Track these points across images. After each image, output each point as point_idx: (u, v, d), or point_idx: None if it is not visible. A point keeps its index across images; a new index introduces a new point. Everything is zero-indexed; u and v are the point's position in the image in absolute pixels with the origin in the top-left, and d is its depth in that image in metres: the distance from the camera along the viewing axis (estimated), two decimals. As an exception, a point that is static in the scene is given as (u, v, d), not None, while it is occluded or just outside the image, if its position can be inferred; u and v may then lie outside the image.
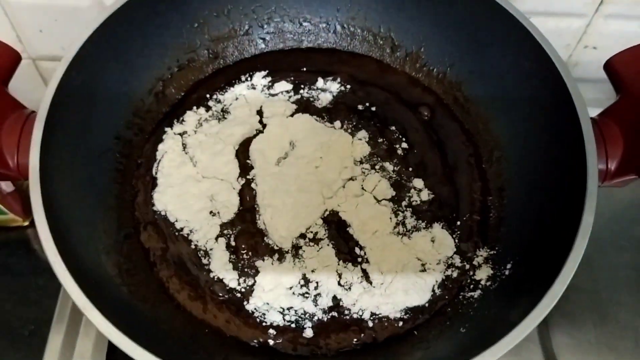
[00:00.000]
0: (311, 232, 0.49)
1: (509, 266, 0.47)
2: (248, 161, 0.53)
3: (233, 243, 0.49)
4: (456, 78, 0.57)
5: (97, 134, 0.49)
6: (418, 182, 0.52)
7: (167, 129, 0.54)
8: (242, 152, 0.53)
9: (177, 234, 0.49)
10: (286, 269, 0.48)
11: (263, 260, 0.48)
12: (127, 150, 0.52)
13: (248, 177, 0.52)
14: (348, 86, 0.58)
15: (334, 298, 0.47)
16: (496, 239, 0.50)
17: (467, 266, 0.49)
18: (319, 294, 0.47)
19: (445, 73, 0.57)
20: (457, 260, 0.49)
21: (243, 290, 0.47)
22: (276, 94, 0.57)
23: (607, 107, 0.47)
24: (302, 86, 0.58)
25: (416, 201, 0.51)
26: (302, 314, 0.46)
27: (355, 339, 0.46)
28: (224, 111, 0.56)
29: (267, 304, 0.46)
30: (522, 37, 0.49)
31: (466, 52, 0.55)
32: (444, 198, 0.52)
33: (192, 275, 0.47)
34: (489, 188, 0.53)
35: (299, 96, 0.57)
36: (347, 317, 0.46)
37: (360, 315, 0.46)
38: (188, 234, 0.49)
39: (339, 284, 0.47)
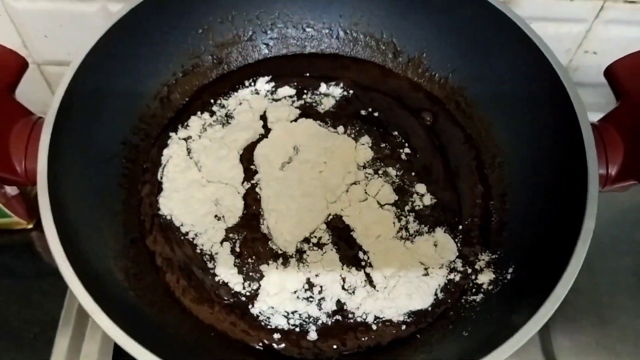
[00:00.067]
0: (315, 236, 0.50)
1: (510, 270, 0.47)
2: (252, 166, 0.53)
3: (238, 247, 0.49)
4: (458, 83, 0.57)
5: (103, 140, 0.50)
6: (421, 187, 0.53)
7: (172, 134, 0.55)
8: (247, 156, 0.54)
9: (182, 238, 0.50)
10: (290, 273, 0.48)
11: (267, 264, 0.49)
12: (133, 156, 0.53)
13: (252, 181, 0.52)
14: (351, 91, 0.58)
15: (338, 302, 0.47)
16: (498, 244, 0.50)
17: (470, 270, 0.49)
18: (323, 298, 0.47)
19: (447, 78, 0.58)
20: (459, 265, 0.50)
21: (248, 294, 0.48)
22: (279, 99, 0.58)
23: (607, 112, 0.48)
24: (305, 91, 0.58)
25: (419, 206, 0.52)
26: (306, 317, 0.47)
27: (358, 343, 0.46)
28: (228, 116, 0.56)
29: (272, 307, 0.47)
30: (522, 43, 0.49)
31: (468, 58, 0.56)
32: (447, 203, 0.52)
33: (197, 279, 0.48)
34: (490, 193, 0.53)
35: (302, 101, 0.58)
36: (351, 321, 0.47)
37: (364, 319, 0.47)
38: (193, 238, 0.50)
39: (343, 288, 0.48)
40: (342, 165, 0.53)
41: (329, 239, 0.50)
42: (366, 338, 0.46)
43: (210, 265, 0.49)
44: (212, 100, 0.57)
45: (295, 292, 0.48)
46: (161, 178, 0.53)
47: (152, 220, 0.50)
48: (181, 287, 0.48)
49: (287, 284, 0.48)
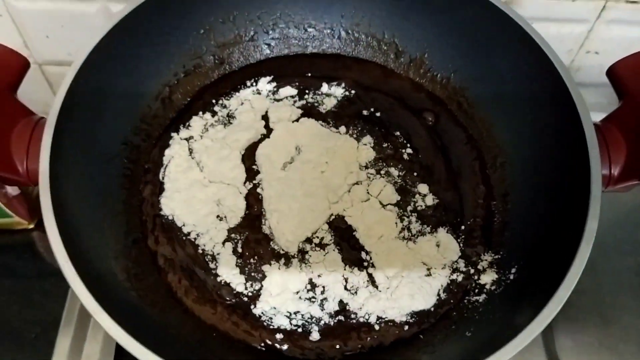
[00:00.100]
0: (317, 237, 0.50)
1: (513, 270, 0.47)
2: (254, 166, 0.53)
3: (240, 247, 0.49)
4: (460, 83, 0.57)
5: (105, 140, 0.50)
6: (423, 187, 0.53)
7: (174, 134, 0.55)
8: (248, 157, 0.54)
9: (184, 238, 0.50)
10: (293, 274, 0.48)
11: (270, 264, 0.49)
12: (135, 156, 0.52)
13: (254, 181, 0.52)
14: (352, 91, 0.58)
15: (340, 302, 0.47)
16: (500, 244, 0.50)
17: (472, 270, 0.49)
18: (325, 299, 0.47)
19: (449, 78, 0.58)
20: (462, 265, 0.49)
21: (250, 294, 0.47)
22: (281, 99, 0.58)
23: (610, 112, 0.48)
24: (307, 91, 0.58)
25: (421, 206, 0.52)
26: (308, 318, 0.47)
27: (361, 343, 0.46)
28: (230, 116, 0.56)
29: (274, 308, 0.47)
30: (524, 43, 0.49)
31: (470, 58, 0.56)
32: (449, 203, 0.52)
33: (199, 279, 0.48)
34: (492, 193, 0.53)
35: (303, 101, 0.57)
36: (354, 321, 0.47)
37: (367, 319, 0.47)
38: (195, 239, 0.50)
39: (345, 288, 0.48)
40: (344, 166, 0.52)
41: (331, 240, 0.50)
42: (369, 338, 0.46)
43: (212, 265, 0.48)
44: (213, 101, 0.57)
45: (297, 292, 0.47)
46: (163, 178, 0.52)
47: (153, 220, 0.50)
48: (183, 287, 0.48)
49: (290, 284, 0.48)
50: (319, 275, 0.48)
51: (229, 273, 0.48)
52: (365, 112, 0.57)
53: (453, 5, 0.54)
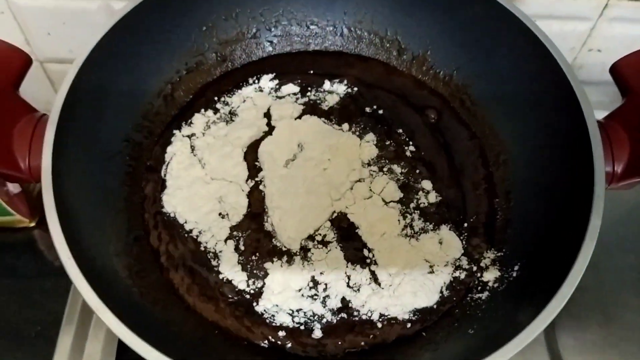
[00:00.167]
0: (319, 234, 0.50)
1: (516, 268, 0.47)
2: (256, 163, 0.53)
3: (242, 245, 0.49)
4: (462, 81, 0.57)
5: (107, 137, 0.50)
6: (425, 184, 0.53)
7: (176, 132, 0.55)
8: (251, 154, 0.54)
9: (186, 235, 0.49)
10: (295, 271, 0.48)
11: (272, 262, 0.48)
12: (137, 153, 0.52)
13: (256, 179, 0.52)
14: (355, 89, 0.58)
15: (343, 299, 0.47)
16: (503, 241, 0.50)
17: (475, 268, 0.49)
18: (327, 296, 0.47)
19: (452, 76, 0.58)
20: (464, 262, 0.49)
21: (252, 291, 0.47)
22: (283, 97, 0.57)
23: (613, 110, 0.48)
24: (310, 89, 0.58)
25: (424, 203, 0.52)
26: (311, 315, 0.47)
27: (364, 340, 0.46)
28: (232, 113, 0.56)
29: (277, 305, 0.47)
30: (528, 40, 0.49)
31: (472, 55, 0.56)
32: (451, 200, 0.52)
33: (201, 276, 0.48)
34: (495, 190, 0.53)
35: (306, 99, 0.57)
36: (356, 319, 0.47)
37: (369, 317, 0.47)
38: (197, 236, 0.49)
39: (348, 285, 0.48)
40: (347, 163, 0.52)
41: (333, 237, 0.50)
42: (371, 336, 0.46)
43: (214, 263, 0.48)
44: (215, 98, 0.57)
45: (299, 290, 0.47)
46: (165, 175, 0.52)
47: (155, 217, 0.50)
48: (185, 284, 0.47)
49: (292, 282, 0.47)
50: (321, 273, 0.48)
51: (231, 270, 0.48)
52: (367, 110, 0.57)
53: (456, 2, 0.54)
